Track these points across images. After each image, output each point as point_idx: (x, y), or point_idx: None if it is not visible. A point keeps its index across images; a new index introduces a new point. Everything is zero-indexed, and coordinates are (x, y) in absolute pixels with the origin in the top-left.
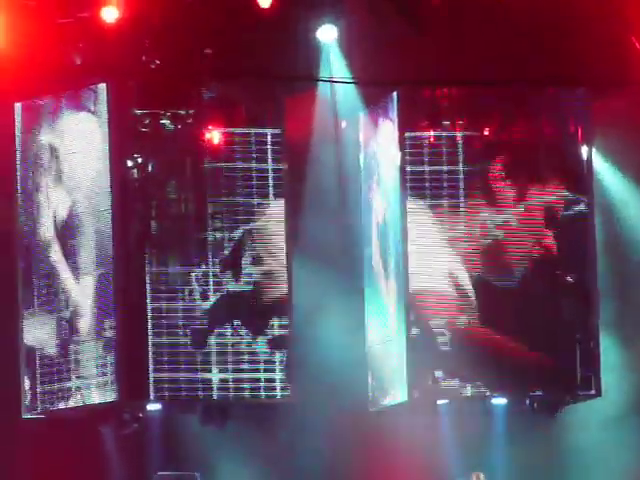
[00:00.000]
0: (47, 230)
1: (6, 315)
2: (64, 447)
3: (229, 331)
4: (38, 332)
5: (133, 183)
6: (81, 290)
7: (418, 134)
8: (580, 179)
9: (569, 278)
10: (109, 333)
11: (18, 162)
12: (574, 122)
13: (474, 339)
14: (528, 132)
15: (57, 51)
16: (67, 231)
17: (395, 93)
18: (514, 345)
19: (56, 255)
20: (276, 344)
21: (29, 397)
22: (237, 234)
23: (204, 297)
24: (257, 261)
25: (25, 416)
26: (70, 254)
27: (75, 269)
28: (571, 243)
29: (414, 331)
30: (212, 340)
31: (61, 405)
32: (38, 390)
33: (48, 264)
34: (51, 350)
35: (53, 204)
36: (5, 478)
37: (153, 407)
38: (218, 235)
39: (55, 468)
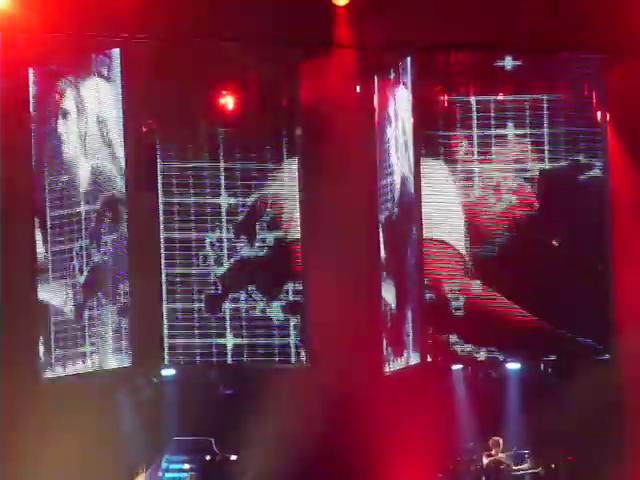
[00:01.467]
0: (62, 197)
1: (23, 280)
2: (80, 412)
3: (243, 296)
4: (53, 297)
5: (147, 148)
6: (95, 255)
7: (432, 98)
8: (594, 143)
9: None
10: (124, 298)
11: (32, 127)
12: (589, 87)
13: (486, 305)
14: (542, 96)
15: (71, 17)
16: (82, 197)
17: (409, 58)
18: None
19: (71, 221)
20: (290, 309)
21: (44, 362)
22: (251, 199)
23: (218, 263)
24: (271, 226)
25: (41, 380)
26: (85, 220)
27: (91, 234)
28: (585, 208)
29: (428, 295)
30: (226, 306)
31: (76, 370)
32: (53, 355)
33: (63, 229)
34: (66, 315)
35: (67, 169)
36: (20, 440)
37: (167, 372)
38: (232, 200)
39: (72, 433)
